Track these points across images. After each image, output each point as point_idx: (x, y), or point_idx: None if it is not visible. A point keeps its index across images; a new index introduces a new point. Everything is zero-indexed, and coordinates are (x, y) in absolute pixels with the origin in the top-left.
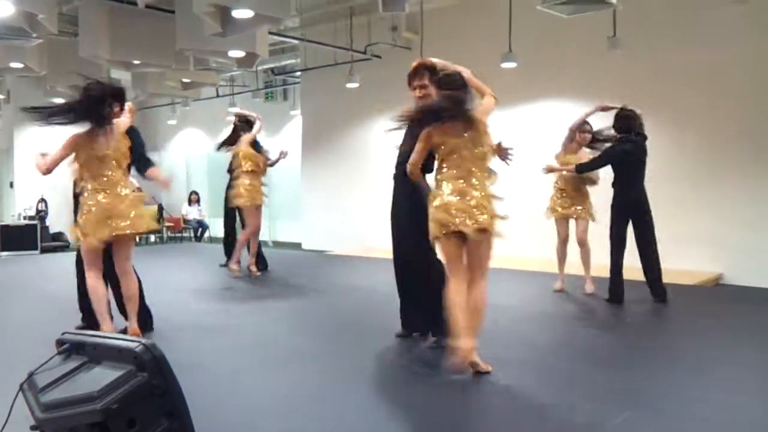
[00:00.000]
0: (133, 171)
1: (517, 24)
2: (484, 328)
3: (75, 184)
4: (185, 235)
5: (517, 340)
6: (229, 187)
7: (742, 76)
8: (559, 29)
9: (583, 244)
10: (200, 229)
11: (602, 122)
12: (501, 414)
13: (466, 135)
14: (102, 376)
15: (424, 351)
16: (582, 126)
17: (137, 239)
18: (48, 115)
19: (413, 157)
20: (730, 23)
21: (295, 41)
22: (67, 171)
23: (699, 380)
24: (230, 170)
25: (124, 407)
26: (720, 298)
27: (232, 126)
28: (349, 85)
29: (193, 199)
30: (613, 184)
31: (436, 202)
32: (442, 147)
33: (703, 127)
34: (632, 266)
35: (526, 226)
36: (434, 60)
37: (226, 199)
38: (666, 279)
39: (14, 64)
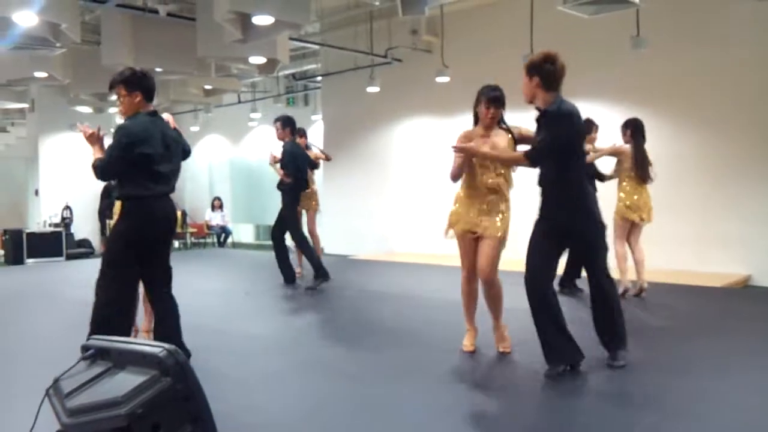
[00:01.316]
0: None
1: (538, 25)
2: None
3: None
4: (208, 240)
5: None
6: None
7: (766, 75)
8: (581, 30)
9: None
10: (223, 235)
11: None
12: (525, 416)
13: None
14: (126, 381)
15: (442, 356)
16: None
17: None
18: None
19: None
20: (757, 21)
21: (316, 46)
22: (90, 177)
23: (725, 384)
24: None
25: (149, 412)
26: (748, 300)
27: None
28: (370, 89)
29: (216, 204)
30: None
31: None
32: None
33: (728, 127)
34: (661, 269)
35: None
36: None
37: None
38: (694, 281)
39: (38, 74)
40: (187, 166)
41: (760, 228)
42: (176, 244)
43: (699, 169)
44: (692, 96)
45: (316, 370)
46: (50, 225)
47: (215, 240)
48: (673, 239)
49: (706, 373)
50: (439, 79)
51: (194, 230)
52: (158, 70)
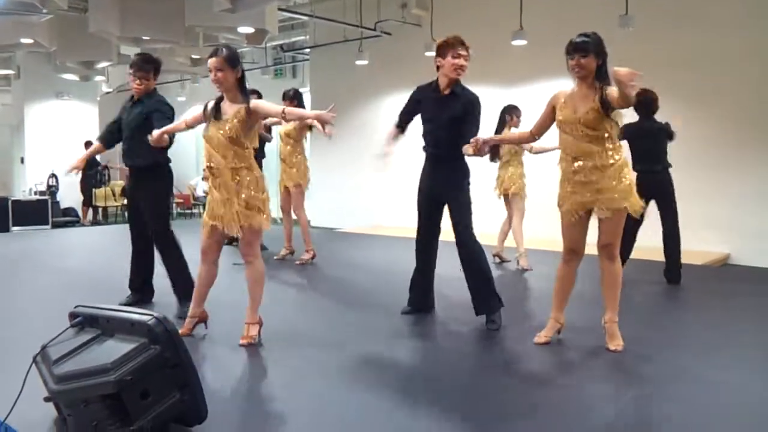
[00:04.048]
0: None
1: (528, 1)
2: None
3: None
4: (195, 211)
5: (520, 317)
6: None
7: (754, 60)
8: (571, 6)
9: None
10: None
11: None
12: (506, 391)
13: None
14: (115, 348)
15: (429, 328)
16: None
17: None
18: None
19: None
20: (744, 5)
21: (305, 17)
22: (77, 145)
23: (703, 361)
24: None
25: (138, 379)
26: (726, 278)
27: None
28: (359, 62)
29: (206, 176)
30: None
31: None
32: None
33: (713, 109)
34: (645, 246)
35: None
36: None
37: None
38: None
39: (24, 40)
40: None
41: (740, 208)
42: None
43: (683, 150)
44: (678, 77)
45: (301, 340)
46: (36, 193)
47: (202, 210)
48: (656, 218)
49: (683, 351)
50: (429, 54)
51: (180, 201)
52: (145, 38)
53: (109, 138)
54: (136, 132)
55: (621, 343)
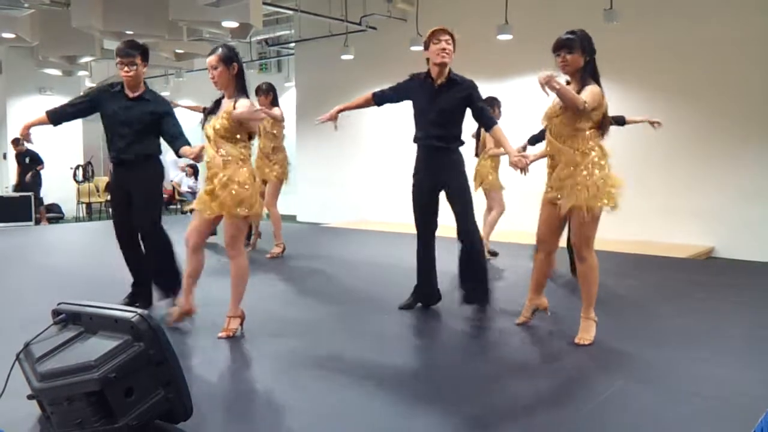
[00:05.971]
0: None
1: None
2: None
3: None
4: (177, 207)
5: (507, 309)
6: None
7: (741, 54)
8: (556, 1)
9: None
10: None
11: None
12: (494, 384)
13: None
14: (99, 345)
15: (422, 322)
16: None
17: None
18: None
19: None
20: None
21: (290, 12)
22: (60, 141)
23: (687, 354)
24: None
25: (122, 377)
26: (710, 271)
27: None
28: (344, 57)
29: (189, 172)
30: None
31: None
32: None
33: (697, 102)
34: (629, 240)
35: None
36: None
37: None
38: (659, 252)
39: (6, 34)
40: None
41: (724, 201)
42: None
43: (668, 143)
44: (665, 70)
45: (287, 334)
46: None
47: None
48: (640, 211)
49: (667, 343)
50: (414, 48)
51: (165, 196)
52: (129, 32)
53: (61, 115)
54: (142, 130)
55: (588, 338)
